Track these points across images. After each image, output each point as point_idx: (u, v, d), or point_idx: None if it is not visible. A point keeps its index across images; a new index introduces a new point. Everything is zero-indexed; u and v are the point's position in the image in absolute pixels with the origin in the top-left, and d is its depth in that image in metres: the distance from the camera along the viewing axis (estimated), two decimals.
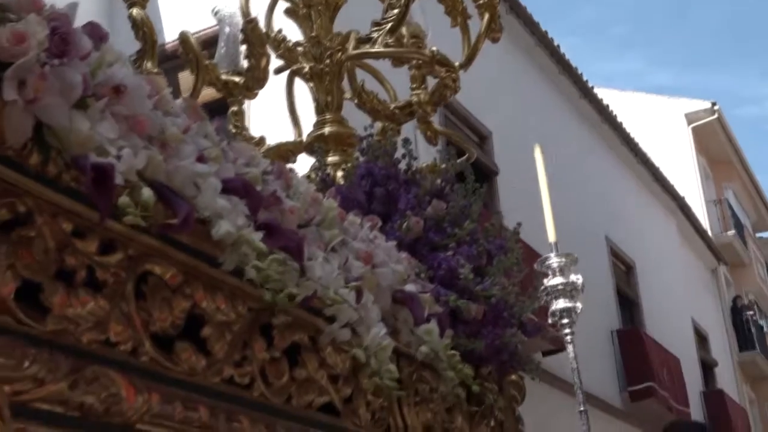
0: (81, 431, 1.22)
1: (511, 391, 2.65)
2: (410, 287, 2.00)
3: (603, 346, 14.54)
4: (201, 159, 1.42)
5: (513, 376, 2.69)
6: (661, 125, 23.21)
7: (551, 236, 5.43)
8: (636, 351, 14.93)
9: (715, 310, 22.70)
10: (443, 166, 2.68)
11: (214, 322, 1.55)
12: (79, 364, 1.21)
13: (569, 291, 5.54)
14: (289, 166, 2.16)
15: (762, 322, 26.00)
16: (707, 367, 20.66)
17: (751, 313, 24.04)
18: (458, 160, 2.76)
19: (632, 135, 17.57)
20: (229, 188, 1.40)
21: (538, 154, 5.20)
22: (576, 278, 5.49)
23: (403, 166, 2.51)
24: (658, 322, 16.68)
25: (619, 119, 17.13)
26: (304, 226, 1.73)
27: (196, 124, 1.48)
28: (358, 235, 1.94)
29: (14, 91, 1.12)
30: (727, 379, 21.62)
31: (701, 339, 20.66)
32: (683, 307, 19.09)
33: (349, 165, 2.59)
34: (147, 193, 1.20)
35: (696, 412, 17.85)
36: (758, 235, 29.51)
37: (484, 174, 11.17)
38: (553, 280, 5.51)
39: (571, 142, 14.58)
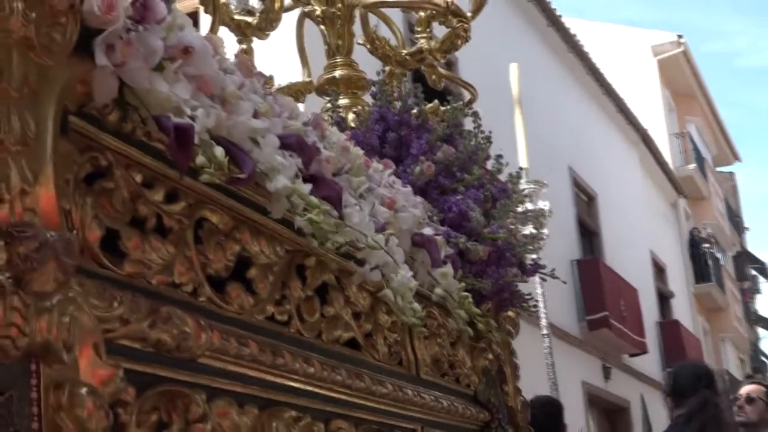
0: (155, 365, 1.34)
1: (507, 326, 2.80)
2: (427, 230, 2.12)
3: (563, 276, 14.81)
4: (255, 114, 1.51)
5: (509, 313, 2.84)
6: (627, 57, 23.27)
7: (522, 161, 5.48)
8: (595, 281, 15.19)
9: (673, 243, 23.13)
10: (446, 108, 2.77)
11: (258, 263, 1.67)
12: (155, 304, 1.32)
13: (537, 218, 5.67)
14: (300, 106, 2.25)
15: (719, 255, 26.57)
16: (664, 298, 21.15)
17: (708, 246, 24.54)
18: (460, 104, 2.85)
19: (598, 66, 17.61)
20: (285, 144, 1.50)
21: (513, 74, 5.22)
22: (544, 205, 5.59)
23: (414, 111, 2.61)
24: (617, 253, 16.98)
25: (585, 49, 17.14)
26: (337, 175, 1.84)
27: (248, 80, 1.58)
28: (382, 181, 2.05)
29: (104, 56, 1.21)
30: (682, 310, 22.16)
31: (659, 270, 21.09)
32: (643, 238, 19.42)
33: (359, 108, 2.69)
34: (219, 151, 1.30)
35: (651, 342, 18.31)
36: (718, 169, 29.95)
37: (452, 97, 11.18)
38: (521, 207, 5.59)
39: (537, 70, 14.51)
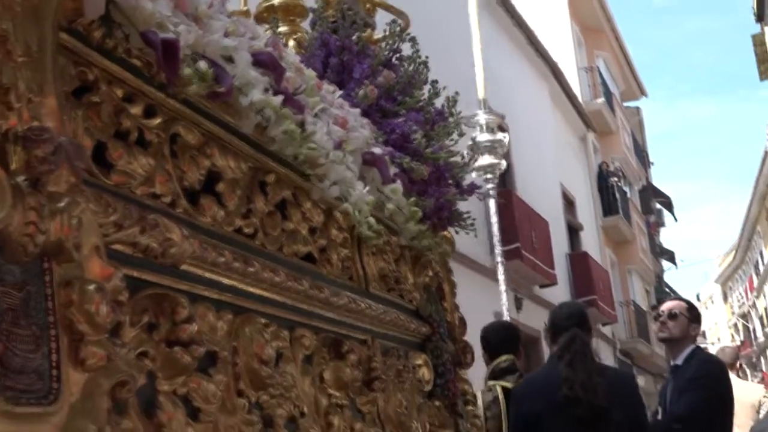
0: (143, 270, 1.42)
1: (444, 245, 2.92)
2: (376, 150, 2.22)
3: (474, 207, 15.02)
4: (225, 34, 1.58)
5: (445, 232, 2.97)
6: None
7: (480, 93, 5.59)
8: (507, 213, 15.45)
9: (582, 176, 23.65)
10: (384, 36, 2.85)
11: (226, 178, 1.75)
12: (142, 212, 1.39)
13: (495, 148, 5.81)
14: None
15: (626, 189, 27.26)
16: (573, 231, 21.66)
17: (616, 179, 25.15)
18: (398, 29, 2.92)
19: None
20: (257, 61, 1.57)
21: (472, 10, 5.28)
22: (503, 136, 5.74)
23: (354, 38, 2.68)
24: (528, 185, 17.26)
25: None
26: (294, 95, 1.92)
27: (216, 0, 1.64)
28: (333, 102, 2.13)
29: None
30: (591, 242, 22.74)
31: (569, 203, 21.56)
32: (553, 171, 19.78)
33: (299, 35, 2.75)
34: (203, 65, 1.37)
35: (561, 273, 18.76)
36: (625, 104, 30.58)
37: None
38: (481, 136, 5.71)
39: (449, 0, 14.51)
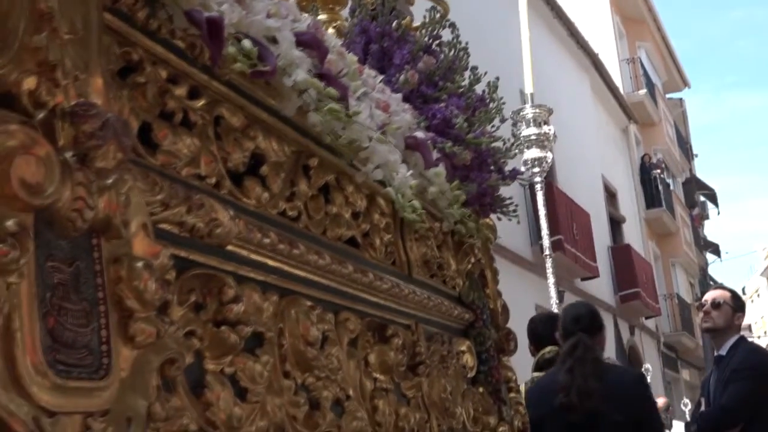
0: (190, 250, 1.43)
1: (486, 232, 2.91)
2: (418, 134, 2.21)
3: (516, 199, 14.97)
4: (267, 15, 1.58)
5: (488, 219, 2.95)
6: None
7: (529, 87, 5.60)
8: (548, 205, 15.37)
9: (624, 168, 23.47)
10: (423, 22, 2.84)
11: (270, 161, 1.75)
12: (189, 192, 1.40)
13: (542, 141, 5.82)
14: None
15: (669, 181, 27.01)
16: (615, 223, 21.50)
17: (659, 171, 24.93)
18: (438, 15, 2.91)
19: None
20: (300, 41, 1.57)
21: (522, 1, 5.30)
22: (548, 129, 5.74)
23: (394, 25, 2.68)
24: (569, 178, 17.17)
25: None
26: (337, 78, 1.91)
27: None
28: (375, 86, 2.13)
29: None
30: (634, 235, 22.57)
31: (610, 195, 21.43)
32: (594, 163, 19.65)
33: (338, 23, 2.75)
34: (248, 44, 1.37)
35: (603, 266, 18.64)
36: (668, 95, 30.28)
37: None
38: (527, 131, 5.73)
39: None
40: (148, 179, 1.30)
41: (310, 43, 1.60)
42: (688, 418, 8.55)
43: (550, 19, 18.19)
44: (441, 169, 2.14)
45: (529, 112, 5.85)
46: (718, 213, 37.30)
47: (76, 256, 1.13)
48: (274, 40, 1.52)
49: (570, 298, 16.37)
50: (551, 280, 6.89)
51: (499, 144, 2.69)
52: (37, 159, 1.02)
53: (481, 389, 2.70)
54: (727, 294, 4.57)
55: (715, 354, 4.48)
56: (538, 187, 6.06)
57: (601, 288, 18.51)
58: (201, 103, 1.54)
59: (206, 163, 1.53)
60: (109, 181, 1.13)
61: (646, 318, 22.29)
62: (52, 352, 1.05)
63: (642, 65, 25.52)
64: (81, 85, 1.15)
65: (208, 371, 1.44)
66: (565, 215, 15.94)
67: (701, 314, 4.52)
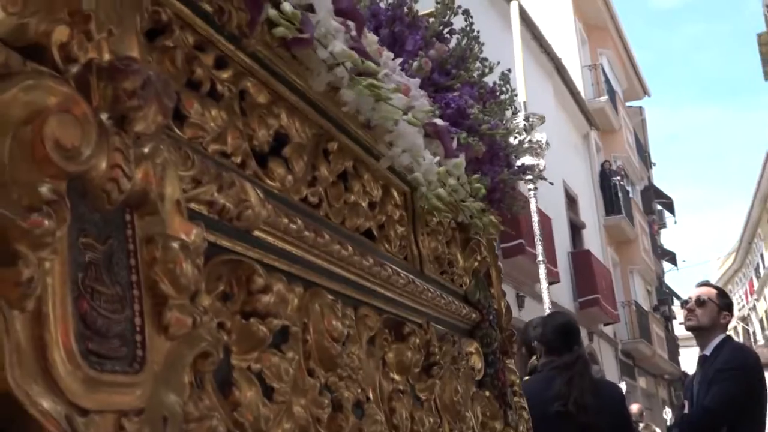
0: (217, 233, 1.29)
1: (491, 230, 2.79)
2: (438, 121, 2.09)
3: None
4: None
5: (492, 217, 2.84)
6: None
7: (521, 95, 5.53)
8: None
9: (585, 174, 23.53)
10: (435, 8, 2.72)
11: (293, 142, 1.62)
12: (219, 169, 1.26)
13: (535, 149, 5.75)
14: None
15: (628, 188, 27.15)
16: (576, 229, 21.55)
17: (618, 178, 25.05)
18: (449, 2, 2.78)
19: None
20: (338, 10, 1.44)
21: (514, 11, 5.27)
22: (541, 137, 5.67)
23: (404, 9, 2.55)
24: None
25: None
26: None
27: None
28: (396, 69, 2.00)
29: None
30: (593, 241, 22.63)
31: (571, 201, 21.46)
32: (555, 168, 19.67)
33: None
34: (289, 6, 1.24)
35: (564, 271, 18.65)
36: (628, 104, 30.46)
37: None
38: (520, 138, 5.65)
39: None
40: (181, 152, 1.16)
41: (348, 12, 1.47)
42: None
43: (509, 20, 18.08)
44: (461, 159, 2.02)
45: (521, 120, 5.79)
46: (675, 222, 37.60)
47: (110, 233, 0.99)
48: (310, 8, 1.38)
49: (530, 304, 16.36)
50: None
51: (510, 138, 2.57)
52: (73, 119, 0.88)
53: (487, 393, 2.58)
54: (713, 291, 4.39)
55: (700, 354, 4.31)
56: (531, 194, 6.01)
57: (562, 294, 18.51)
58: (228, 73, 1.41)
59: (232, 139, 1.39)
60: (146, 149, 0.99)
61: (605, 325, 22.36)
62: (84, 340, 0.91)
63: (603, 72, 25.62)
64: (115, 42, 1.01)
65: (234, 367, 1.30)
66: (527, 219, 15.89)
67: (685, 312, 4.37)
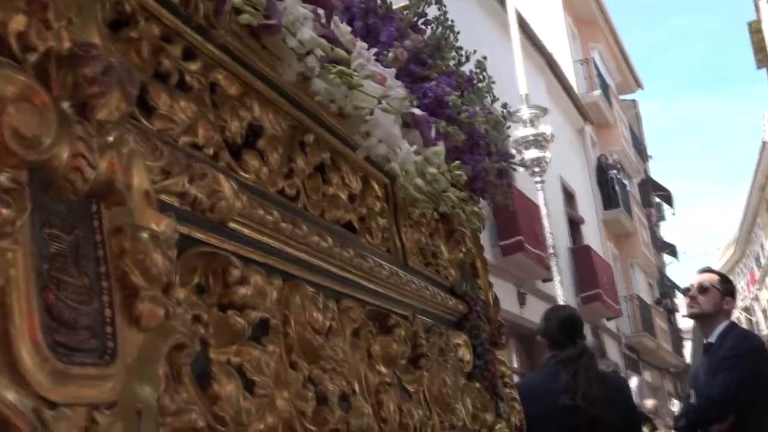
0: (190, 226, 1.28)
1: (474, 221, 2.79)
2: (416, 111, 2.08)
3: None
4: None
5: (475, 208, 2.83)
6: None
7: (522, 88, 5.56)
8: (506, 205, 15.28)
9: (581, 169, 23.51)
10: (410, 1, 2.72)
11: (267, 134, 1.61)
12: (190, 160, 1.25)
13: (540, 141, 5.75)
14: None
15: (625, 181, 27.11)
16: (574, 224, 21.53)
17: (615, 172, 25.01)
18: None
19: None
20: None
21: (510, 4, 5.30)
22: (545, 129, 5.66)
23: (377, 1, 2.55)
24: (527, 178, 17.10)
25: None
26: None
27: None
28: (370, 59, 1.99)
29: None
30: (592, 236, 22.60)
31: (568, 196, 21.44)
32: (552, 164, 19.62)
33: None
34: None
35: (564, 266, 18.61)
36: (621, 97, 30.45)
37: None
38: (524, 131, 5.67)
39: None
40: (149, 143, 1.15)
41: None
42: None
43: (503, 18, 18.03)
44: (440, 147, 2.01)
45: (525, 112, 5.78)
46: (674, 214, 37.55)
47: (76, 224, 0.98)
48: None
49: (531, 300, 16.32)
50: None
51: (489, 125, 2.56)
52: (32, 107, 0.87)
53: (477, 384, 2.57)
54: (715, 277, 4.30)
55: (704, 342, 4.23)
56: (538, 186, 6.02)
57: (563, 289, 18.44)
58: (197, 65, 1.40)
59: (204, 130, 1.38)
60: (111, 138, 0.98)
61: (608, 319, 22.35)
62: (51, 332, 0.90)
63: (596, 66, 25.61)
64: (74, 30, 1.00)
65: (213, 361, 1.29)
66: (525, 216, 15.85)
67: (687, 299, 4.29)
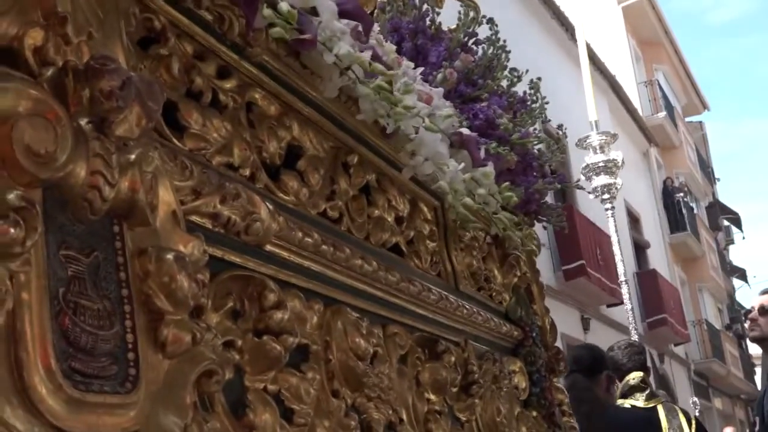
0: (225, 249, 1.24)
1: (530, 245, 2.71)
2: (464, 131, 2.02)
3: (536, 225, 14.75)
4: None
5: (530, 230, 2.75)
6: (591, 3, 22.99)
7: (592, 115, 5.51)
8: (569, 230, 15.09)
9: (646, 192, 23.13)
10: (459, 21, 2.67)
11: (308, 155, 1.57)
12: (222, 180, 1.21)
13: (610, 168, 5.68)
14: None
15: (692, 204, 26.61)
16: (640, 248, 21.18)
17: (682, 194, 24.56)
18: (472, 15, 2.73)
19: (564, 11, 17.42)
20: (343, 11, 1.39)
21: (579, 32, 5.29)
22: (616, 155, 5.59)
23: (426, 21, 2.50)
24: (591, 202, 16.88)
25: None
26: None
27: None
28: (416, 78, 1.94)
29: None
30: (659, 259, 22.19)
31: (634, 220, 21.11)
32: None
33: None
34: (285, 5, 1.19)
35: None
36: (687, 119, 29.96)
37: None
38: (594, 158, 5.61)
39: (502, 18, 14.40)
40: (177, 161, 1.11)
41: (353, 13, 1.41)
42: None
43: (566, 42, 17.97)
44: (490, 168, 1.95)
45: (594, 139, 5.71)
46: (743, 237, 36.73)
47: (95, 246, 0.94)
48: (313, 12, 1.33)
49: (596, 326, 16.05)
50: None
51: (543, 146, 2.49)
52: (46, 123, 0.84)
53: (534, 413, 2.48)
54: None
55: None
56: (609, 213, 5.94)
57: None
58: (232, 83, 1.36)
59: (239, 151, 1.34)
60: (132, 155, 0.94)
61: (675, 345, 21.90)
62: (67, 358, 0.86)
63: (660, 88, 25.24)
64: (96, 45, 0.97)
65: (249, 389, 1.24)
66: (587, 240, 15.61)
67: (748, 322, 4.15)
